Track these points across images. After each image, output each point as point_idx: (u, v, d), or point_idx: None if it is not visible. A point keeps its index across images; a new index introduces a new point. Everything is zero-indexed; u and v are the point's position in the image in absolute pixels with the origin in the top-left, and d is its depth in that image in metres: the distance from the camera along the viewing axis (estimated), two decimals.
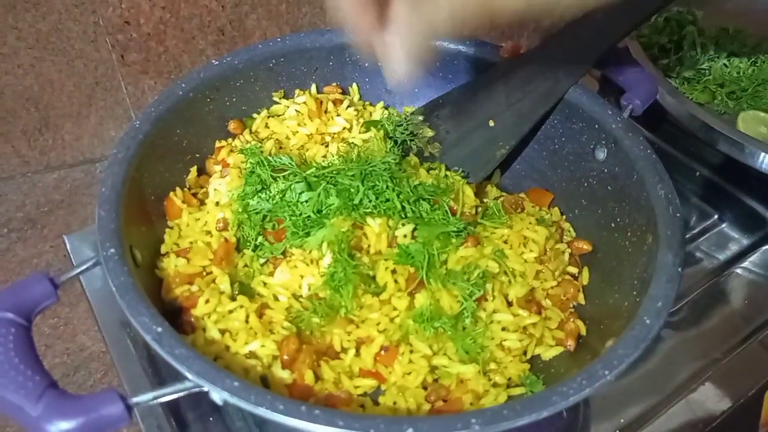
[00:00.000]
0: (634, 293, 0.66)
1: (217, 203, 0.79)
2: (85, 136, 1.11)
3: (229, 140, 0.86)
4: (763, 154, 0.89)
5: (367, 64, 0.91)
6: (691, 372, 0.80)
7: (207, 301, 0.69)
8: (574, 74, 0.81)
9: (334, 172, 0.76)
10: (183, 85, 0.79)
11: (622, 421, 0.75)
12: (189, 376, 0.53)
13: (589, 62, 0.81)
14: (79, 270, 0.61)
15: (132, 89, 1.09)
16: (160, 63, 1.08)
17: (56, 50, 1.00)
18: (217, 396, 0.53)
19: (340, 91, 0.93)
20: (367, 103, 0.94)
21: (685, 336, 0.84)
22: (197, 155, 0.83)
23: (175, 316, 0.69)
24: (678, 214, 0.68)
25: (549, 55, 0.82)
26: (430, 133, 0.86)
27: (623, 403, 0.77)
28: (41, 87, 1.03)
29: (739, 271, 0.92)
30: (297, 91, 0.91)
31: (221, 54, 1.12)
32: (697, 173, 1.01)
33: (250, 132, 0.87)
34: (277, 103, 0.90)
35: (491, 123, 0.84)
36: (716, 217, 0.99)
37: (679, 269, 0.63)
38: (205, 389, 0.53)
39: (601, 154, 0.80)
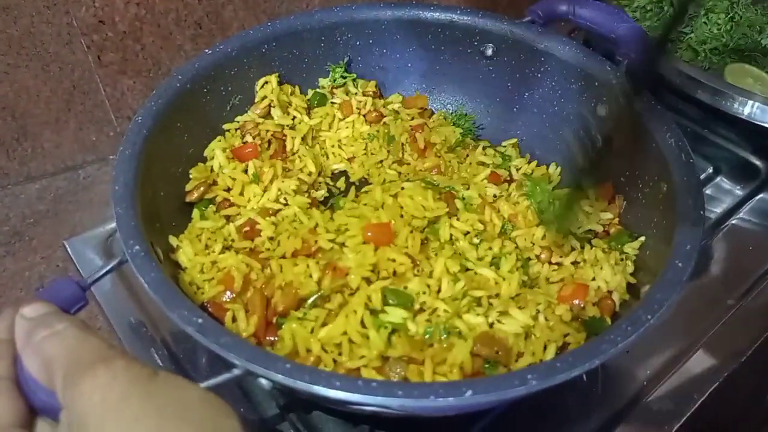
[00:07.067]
0: (656, 241, 0.67)
1: None
2: (66, 142, 1.07)
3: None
4: (752, 102, 0.91)
5: (358, 42, 0.90)
6: (704, 321, 0.80)
7: None
8: None
9: None
10: (179, 77, 0.77)
11: (643, 378, 0.75)
12: (238, 363, 0.51)
13: None
14: (105, 270, 0.59)
15: (111, 90, 1.06)
16: (138, 62, 1.05)
17: (30, 55, 0.96)
18: (268, 380, 0.52)
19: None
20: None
21: (694, 288, 0.84)
22: (200, 147, 0.82)
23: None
24: (691, 160, 0.69)
25: None
26: None
27: (640, 362, 0.77)
28: (16, 94, 0.99)
29: (735, 221, 0.93)
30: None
31: (200, 48, 1.10)
32: (688, 129, 1.02)
33: None
34: None
35: None
36: (710, 170, 1.00)
37: (701, 212, 0.64)
38: (257, 374, 0.51)
39: (603, 111, 0.80)
